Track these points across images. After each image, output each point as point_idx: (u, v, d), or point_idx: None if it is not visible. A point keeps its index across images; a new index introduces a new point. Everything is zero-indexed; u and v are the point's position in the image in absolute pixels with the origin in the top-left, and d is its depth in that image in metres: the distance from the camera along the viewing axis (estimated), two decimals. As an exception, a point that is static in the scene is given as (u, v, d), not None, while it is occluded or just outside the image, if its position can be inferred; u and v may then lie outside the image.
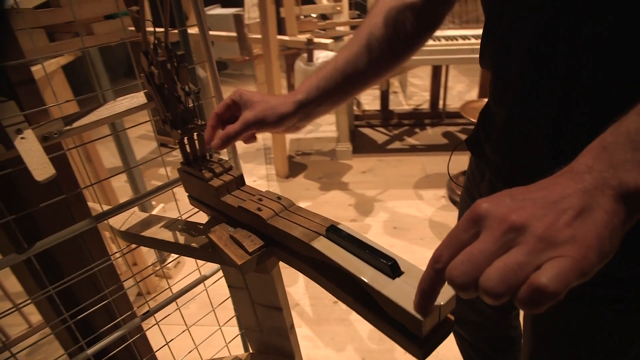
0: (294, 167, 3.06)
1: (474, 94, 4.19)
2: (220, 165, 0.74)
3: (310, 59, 2.33)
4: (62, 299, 0.85)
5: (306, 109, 0.71)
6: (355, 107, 3.65)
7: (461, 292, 0.34)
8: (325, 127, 3.64)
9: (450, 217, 2.50)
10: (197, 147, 0.75)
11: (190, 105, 0.72)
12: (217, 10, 3.34)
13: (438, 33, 2.78)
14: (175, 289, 0.98)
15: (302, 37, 2.37)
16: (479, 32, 2.74)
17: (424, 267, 0.40)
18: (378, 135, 3.44)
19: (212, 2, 3.54)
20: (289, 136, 3.47)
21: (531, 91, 0.59)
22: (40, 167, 0.63)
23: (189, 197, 0.82)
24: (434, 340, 0.46)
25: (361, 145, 3.29)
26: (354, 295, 0.52)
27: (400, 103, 4.00)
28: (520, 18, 0.57)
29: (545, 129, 0.59)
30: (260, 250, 0.64)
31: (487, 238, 0.34)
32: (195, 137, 0.74)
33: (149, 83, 0.72)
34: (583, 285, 0.31)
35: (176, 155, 3.37)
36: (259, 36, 2.51)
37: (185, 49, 0.87)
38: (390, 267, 0.48)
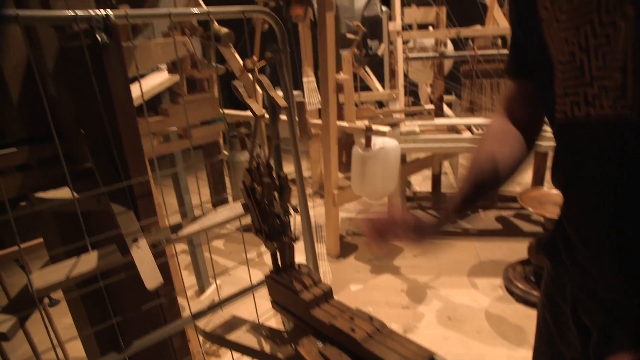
0: (345, 247, 3.06)
1: (527, 177, 4.13)
2: (310, 278, 0.77)
3: (368, 144, 2.41)
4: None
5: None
6: (406, 189, 3.68)
7: None
8: (377, 208, 3.67)
9: (508, 310, 2.38)
10: (287, 257, 0.79)
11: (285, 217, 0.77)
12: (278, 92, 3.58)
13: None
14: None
15: (361, 124, 2.48)
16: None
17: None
18: (429, 218, 3.42)
19: (273, 84, 3.82)
20: (341, 215, 3.50)
21: (602, 213, 0.60)
22: (151, 275, 0.68)
23: (273, 302, 0.85)
24: None
25: (412, 227, 3.27)
26: None
27: (451, 185, 4.00)
28: (591, 139, 0.59)
29: (619, 252, 0.59)
30: (353, 372, 0.64)
31: None
32: (285, 248, 0.78)
33: (248, 197, 0.78)
34: None
35: (229, 228, 3.47)
36: (318, 121, 2.65)
37: (277, 163, 0.94)
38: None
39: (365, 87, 3.26)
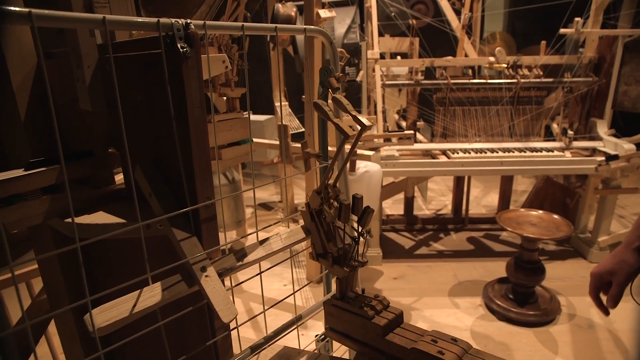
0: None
1: (490, 199, 4.32)
2: (380, 302, 0.74)
3: (352, 168, 2.42)
4: None
5: None
6: (380, 211, 3.71)
7: None
8: (350, 230, 3.66)
9: (492, 328, 2.43)
10: (353, 282, 0.76)
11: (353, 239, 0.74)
12: (252, 117, 3.54)
13: (467, 146, 2.94)
14: None
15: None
16: (505, 145, 2.92)
17: None
18: (404, 240, 3.46)
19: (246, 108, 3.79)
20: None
21: None
22: (225, 308, 0.62)
23: (330, 329, 0.80)
24: None
25: (389, 251, 3.29)
26: None
27: (420, 207, 4.09)
28: None
29: None
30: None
31: None
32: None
33: (312, 219, 0.75)
34: None
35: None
36: (297, 145, 2.63)
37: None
38: None
39: (342, 112, 3.29)
